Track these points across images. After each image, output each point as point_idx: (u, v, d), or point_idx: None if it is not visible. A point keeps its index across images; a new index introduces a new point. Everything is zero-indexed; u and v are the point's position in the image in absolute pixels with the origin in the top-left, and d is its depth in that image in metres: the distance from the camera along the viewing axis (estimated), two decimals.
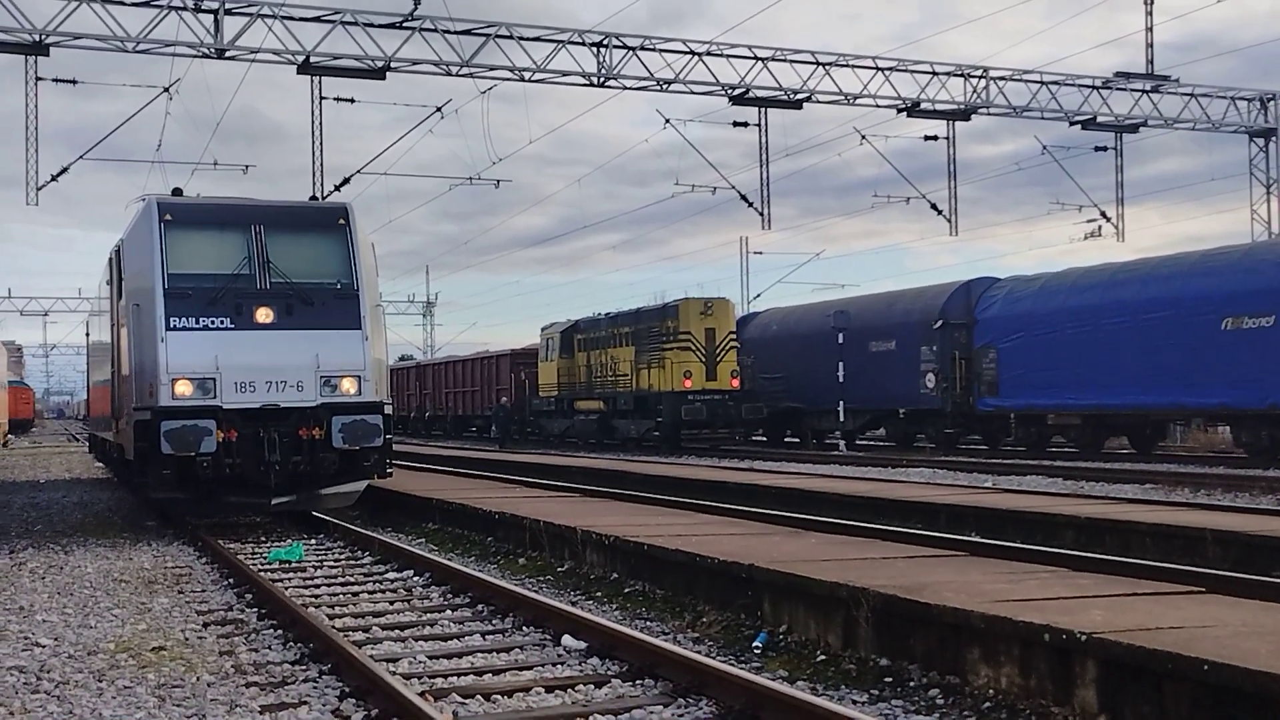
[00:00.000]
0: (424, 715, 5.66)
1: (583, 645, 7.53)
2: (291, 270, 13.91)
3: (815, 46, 34.83)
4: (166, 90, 25.23)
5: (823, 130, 78.60)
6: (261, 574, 10.59)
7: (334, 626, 8.30)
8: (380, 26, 25.23)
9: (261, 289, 13.72)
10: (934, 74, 29.55)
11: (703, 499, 15.36)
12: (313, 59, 24.88)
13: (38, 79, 24.21)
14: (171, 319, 13.31)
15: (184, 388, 13.19)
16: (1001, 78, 30.17)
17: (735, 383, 32.68)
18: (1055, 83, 30.57)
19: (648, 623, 8.62)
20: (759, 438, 37.16)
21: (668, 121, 29.88)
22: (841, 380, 30.91)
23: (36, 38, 23.06)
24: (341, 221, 14.50)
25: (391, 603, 9.60)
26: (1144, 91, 31.07)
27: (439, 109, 27.03)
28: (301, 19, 24.79)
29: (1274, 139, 33.15)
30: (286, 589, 10.05)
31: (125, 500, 19.10)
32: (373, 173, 29.50)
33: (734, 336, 33.30)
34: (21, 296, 70.24)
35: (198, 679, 6.85)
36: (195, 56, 24.22)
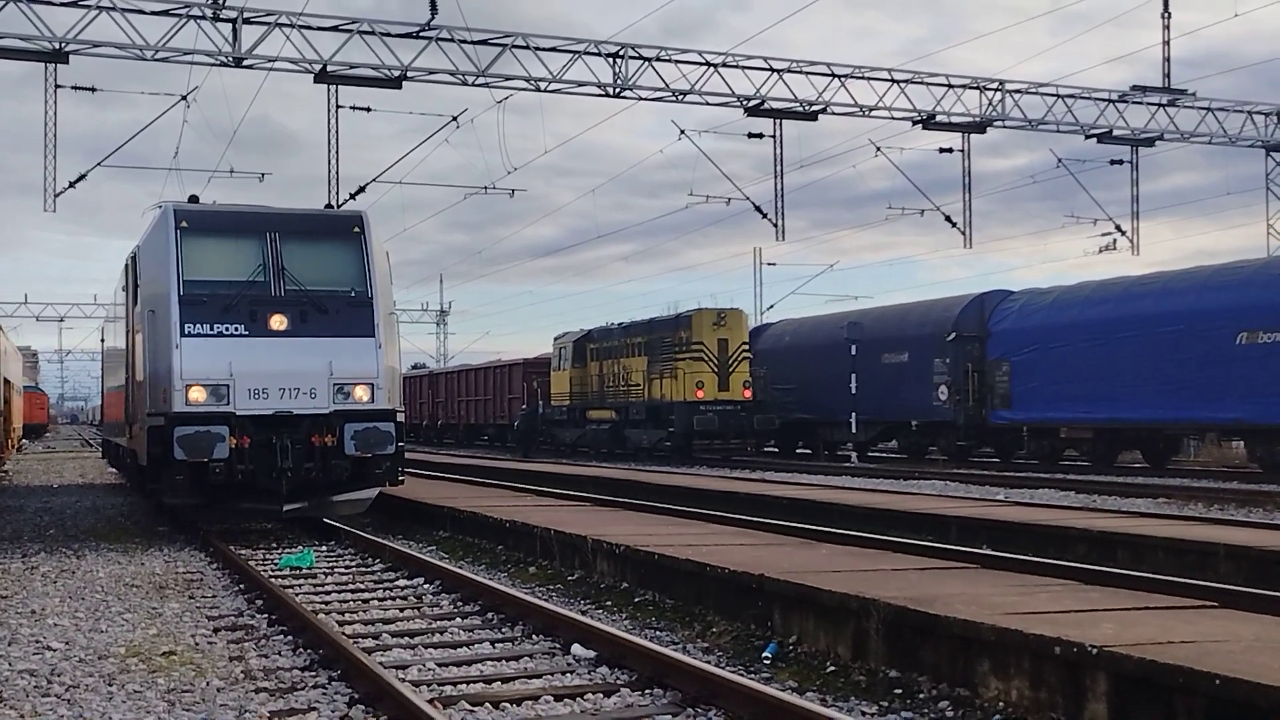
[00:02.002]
0: None
1: (592, 654, 7.52)
2: (306, 278, 13.95)
3: (828, 60, 34.32)
4: (184, 99, 25.31)
5: (836, 142, 78.70)
6: (272, 580, 10.61)
7: (344, 633, 8.31)
8: (397, 36, 25.29)
9: (276, 296, 13.76)
10: (949, 86, 29.50)
11: (714, 509, 15.34)
12: (329, 68, 24.95)
13: (57, 87, 24.29)
14: (186, 325, 13.36)
15: (198, 394, 13.24)
16: (1017, 90, 30.10)
17: (748, 393, 32.66)
18: (1071, 96, 30.47)
19: (657, 632, 8.62)
20: (771, 449, 37.12)
21: (682, 132, 29.85)
22: (854, 392, 30.86)
23: (56, 46, 23.19)
24: (356, 230, 14.54)
25: (401, 610, 9.61)
26: (1160, 105, 30.97)
27: (454, 119, 27.09)
28: (319, 28, 24.88)
29: None
30: (297, 595, 10.07)
31: (138, 505, 19.16)
32: (387, 182, 29.69)
33: (747, 347, 33.29)
34: (38, 302, 71.15)
35: (207, 684, 6.87)
36: (213, 65, 24.33)
